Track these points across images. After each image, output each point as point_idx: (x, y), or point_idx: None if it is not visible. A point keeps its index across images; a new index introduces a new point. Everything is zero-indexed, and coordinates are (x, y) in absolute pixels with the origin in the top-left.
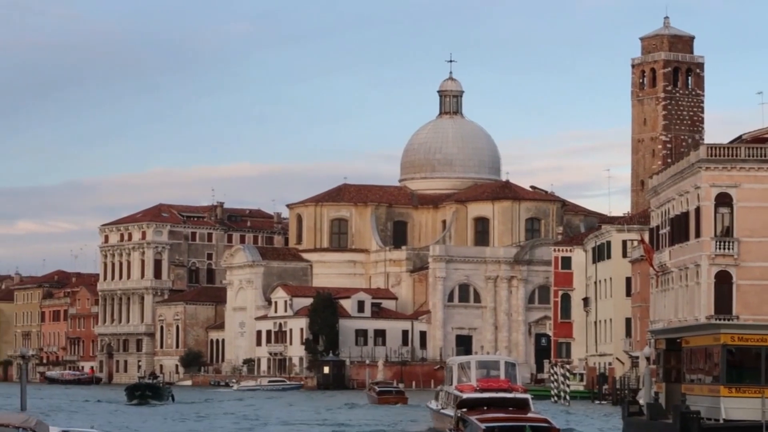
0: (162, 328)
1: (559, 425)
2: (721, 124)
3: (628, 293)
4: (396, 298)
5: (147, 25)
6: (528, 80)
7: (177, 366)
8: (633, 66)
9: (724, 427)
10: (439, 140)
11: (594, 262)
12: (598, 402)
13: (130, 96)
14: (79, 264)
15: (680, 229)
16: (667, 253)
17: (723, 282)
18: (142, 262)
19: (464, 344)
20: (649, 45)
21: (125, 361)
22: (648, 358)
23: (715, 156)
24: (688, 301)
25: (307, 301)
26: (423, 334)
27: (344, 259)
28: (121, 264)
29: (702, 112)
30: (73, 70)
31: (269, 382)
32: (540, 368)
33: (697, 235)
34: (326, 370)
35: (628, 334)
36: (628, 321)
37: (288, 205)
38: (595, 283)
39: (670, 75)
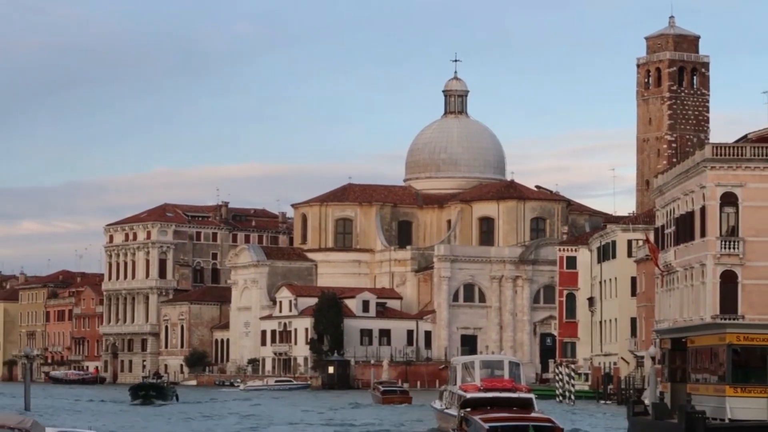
0: (167, 327)
1: (564, 425)
2: (726, 123)
3: (633, 293)
4: (401, 298)
5: (151, 25)
6: (533, 80)
7: (182, 366)
8: (638, 66)
9: (730, 427)
10: (444, 140)
11: (599, 261)
12: (603, 402)
13: (135, 96)
14: (83, 264)
15: (685, 228)
16: (673, 252)
17: (728, 281)
18: (147, 261)
19: (469, 344)
20: (654, 45)
21: (130, 361)
22: (653, 358)
23: (721, 155)
24: (694, 301)
25: (312, 301)
26: (428, 334)
27: (349, 259)
28: (125, 264)
29: (707, 111)
30: (77, 70)
31: (276, 382)
32: (545, 368)
33: (703, 234)
34: (331, 369)
35: (633, 333)
36: (633, 321)
37: (293, 205)
38: (600, 282)
39: (676, 75)
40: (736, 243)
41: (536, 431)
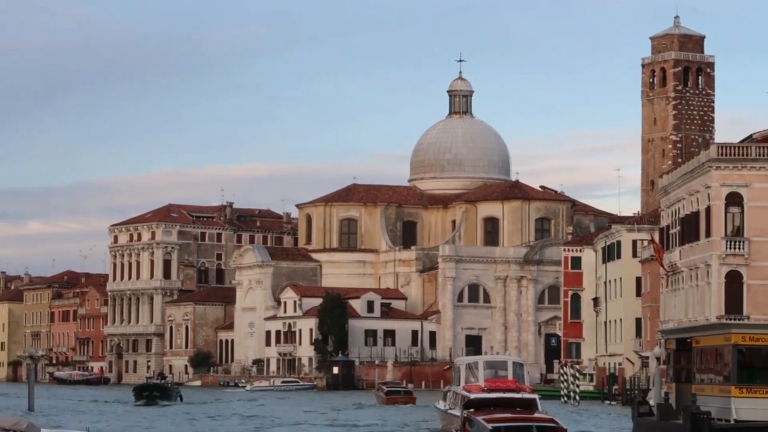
0: (171, 328)
1: (569, 426)
2: (731, 123)
3: (638, 293)
4: (405, 298)
5: (156, 26)
6: (538, 80)
7: (186, 366)
8: (643, 66)
9: (735, 428)
10: (448, 140)
11: (604, 262)
12: (607, 402)
13: (140, 96)
14: (88, 264)
15: (690, 228)
16: (678, 252)
17: (733, 282)
18: (152, 262)
19: (474, 344)
20: (659, 45)
21: (134, 362)
22: (658, 359)
23: (726, 155)
24: (699, 301)
25: (317, 302)
26: (432, 335)
27: (353, 259)
28: (130, 264)
29: (712, 111)
30: (82, 70)
31: (282, 382)
32: (550, 368)
33: (708, 234)
34: (335, 370)
35: (638, 334)
36: (638, 321)
37: (297, 205)
38: (605, 283)
39: (681, 75)
40: (741, 243)
41: None
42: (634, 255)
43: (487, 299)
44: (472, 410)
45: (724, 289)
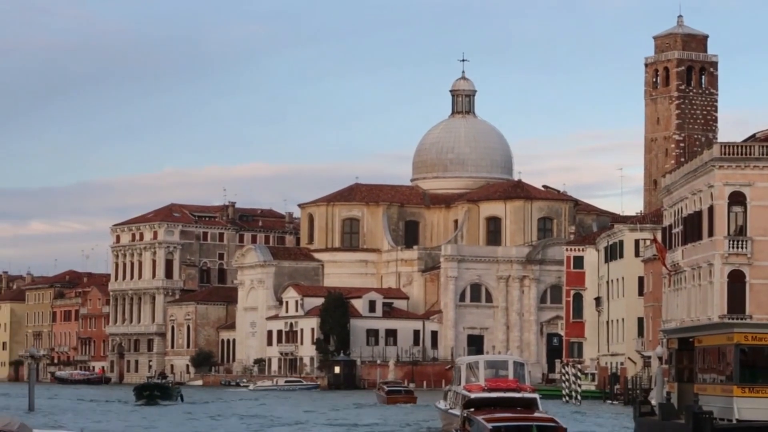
0: (173, 328)
1: (570, 425)
2: (734, 123)
3: (641, 293)
4: (407, 298)
5: (159, 25)
6: (541, 79)
7: (188, 366)
8: (646, 65)
9: (738, 428)
10: (451, 140)
11: (606, 261)
12: (609, 402)
13: (142, 96)
14: (90, 264)
15: (693, 228)
16: (680, 252)
17: (736, 281)
18: (154, 262)
19: (476, 344)
20: (662, 44)
21: (136, 361)
22: (660, 358)
23: (729, 154)
24: (701, 301)
25: (319, 301)
26: (434, 334)
27: (356, 259)
28: (132, 264)
29: (715, 111)
30: (84, 70)
31: (285, 382)
32: (552, 368)
33: (710, 234)
34: (337, 370)
35: (641, 333)
36: (640, 320)
37: (299, 205)
38: (608, 282)
39: (684, 74)
40: (744, 242)
41: (539, 431)
42: (637, 254)
43: (489, 299)
44: (472, 410)
45: (726, 289)
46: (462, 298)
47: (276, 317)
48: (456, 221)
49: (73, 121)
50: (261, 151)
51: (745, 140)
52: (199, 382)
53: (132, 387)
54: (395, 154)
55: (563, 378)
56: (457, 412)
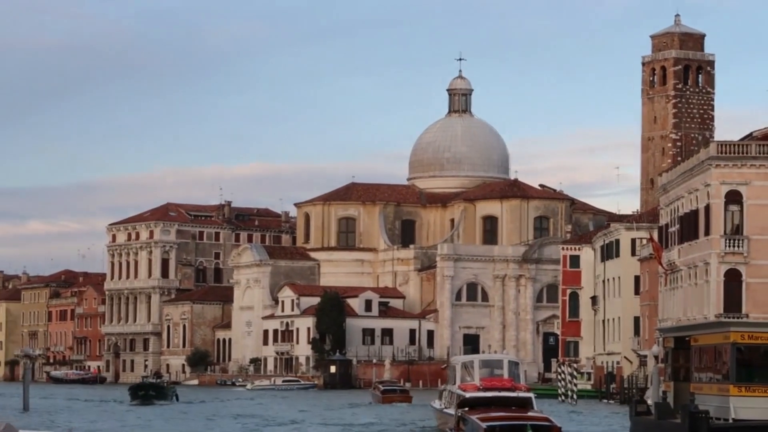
0: (169, 327)
1: (566, 425)
2: (731, 122)
3: (637, 292)
4: (403, 297)
5: (156, 24)
6: (537, 78)
7: (184, 365)
8: (643, 64)
9: (734, 427)
10: (447, 139)
11: (602, 260)
12: (605, 401)
13: (139, 96)
14: (86, 264)
15: (690, 227)
16: (677, 251)
17: (732, 280)
18: (150, 261)
19: (472, 343)
20: (659, 43)
21: (132, 361)
22: (656, 357)
23: (726, 153)
24: (697, 300)
25: (315, 300)
26: (430, 333)
27: (352, 258)
28: (128, 263)
29: (712, 110)
30: (82, 70)
31: (284, 381)
32: (548, 367)
33: (707, 233)
34: (333, 369)
35: (637, 332)
36: (636, 319)
37: (296, 204)
38: (604, 281)
39: (681, 73)
40: (741, 241)
41: (534, 430)
42: (633, 253)
43: (485, 298)
44: (466, 409)
45: (723, 288)
46: (458, 297)
47: (272, 317)
48: (452, 220)
49: (71, 121)
50: (257, 150)
51: (742, 139)
52: (195, 382)
53: (127, 387)
54: (392, 154)
55: (559, 377)
56: (452, 411)
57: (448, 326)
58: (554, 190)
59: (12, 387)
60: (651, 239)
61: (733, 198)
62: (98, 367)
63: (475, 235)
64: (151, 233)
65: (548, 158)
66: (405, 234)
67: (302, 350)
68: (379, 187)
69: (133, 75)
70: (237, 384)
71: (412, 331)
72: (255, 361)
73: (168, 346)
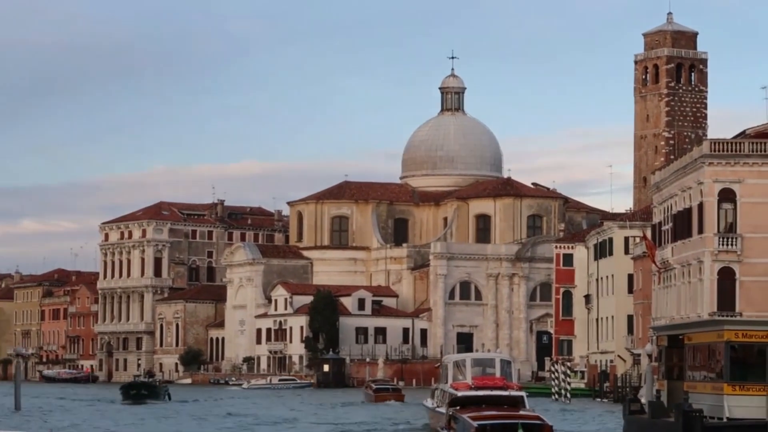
0: (162, 326)
1: (559, 424)
2: (724, 120)
3: (630, 290)
4: (397, 296)
5: (148, 23)
6: (530, 77)
7: (177, 364)
8: (636, 62)
9: (728, 426)
10: (440, 137)
11: (596, 259)
12: (599, 400)
13: (132, 95)
14: (79, 262)
15: (683, 225)
16: (670, 249)
17: (726, 278)
18: (142, 260)
19: (465, 342)
20: (652, 41)
21: (125, 360)
22: (650, 356)
23: (719, 151)
24: (691, 298)
25: (308, 299)
26: (424, 332)
27: (345, 257)
28: (121, 262)
29: (705, 108)
30: (75, 69)
31: (280, 380)
32: (541, 366)
33: (700, 231)
34: (326, 368)
35: (630, 331)
36: (629, 318)
37: (289, 203)
38: (597, 280)
39: (673, 71)
40: (734, 239)
41: (525, 429)
42: (626, 252)
43: (478, 296)
44: (458, 408)
45: (716, 286)
46: (451, 295)
47: (265, 315)
48: (445, 219)
49: (64, 120)
50: (250, 149)
51: (735, 137)
52: (188, 381)
53: (119, 386)
54: (384, 152)
55: (553, 376)
56: (444, 410)
57: (442, 325)
58: (547, 189)
59: (5, 386)
60: (644, 237)
61: (727, 196)
62: (91, 366)
63: (468, 233)
64: (144, 232)
65: (541, 156)
66: (398, 232)
67: (295, 349)
68: (372, 186)
69: (126, 75)
70: (230, 383)
71: (406, 330)
72: (248, 360)
73: (161, 345)
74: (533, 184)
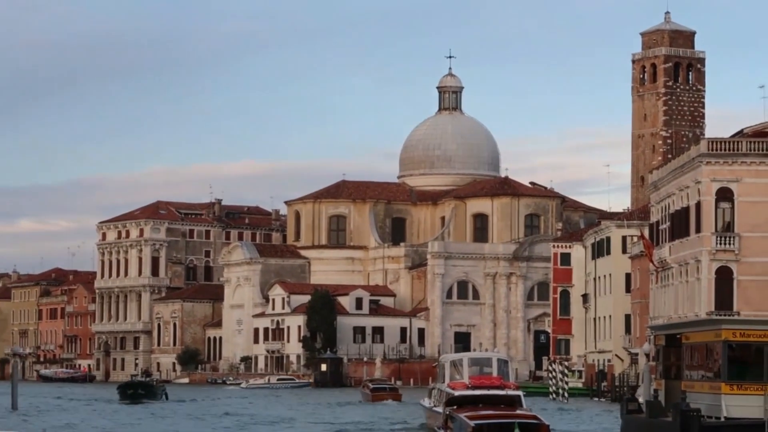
0: (159, 325)
1: (557, 423)
2: (721, 119)
3: (628, 289)
4: (394, 295)
5: (145, 22)
6: (528, 76)
7: (174, 364)
8: (633, 61)
9: (726, 425)
10: (438, 136)
11: (593, 258)
12: (596, 399)
13: (129, 94)
14: (77, 262)
15: (680, 224)
16: (667, 248)
17: (724, 277)
18: (140, 259)
19: (463, 341)
20: (649, 40)
21: (122, 359)
22: (647, 355)
23: (716, 150)
24: (688, 297)
25: (305, 299)
26: (421, 331)
27: (342, 256)
28: (118, 261)
29: (702, 107)
30: (72, 68)
31: (278, 380)
32: (539, 365)
33: (698, 230)
34: (324, 367)
35: (628, 330)
36: (627, 317)
37: (286, 202)
38: (595, 279)
39: (671, 70)
40: (732, 239)
41: (522, 428)
42: (624, 251)
43: (476, 296)
44: (455, 407)
45: (714, 285)
46: (449, 295)
47: (262, 315)
48: (443, 218)
49: (61, 119)
50: (248, 148)
51: (733, 136)
52: (186, 380)
53: (117, 385)
54: (382, 151)
55: (550, 375)
56: (441, 409)
57: (439, 324)
58: (545, 188)
59: (2, 386)
60: (642, 237)
61: (724, 195)
62: (89, 365)
63: (466, 232)
64: (141, 231)
65: (539, 156)
66: (395, 232)
67: (293, 348)
68: (370, 185)
69: (124, 75)
70: (228, 382)
71: (403, 329)
72: (246, 360)
73: (158, 345)
74: (531, 183)
